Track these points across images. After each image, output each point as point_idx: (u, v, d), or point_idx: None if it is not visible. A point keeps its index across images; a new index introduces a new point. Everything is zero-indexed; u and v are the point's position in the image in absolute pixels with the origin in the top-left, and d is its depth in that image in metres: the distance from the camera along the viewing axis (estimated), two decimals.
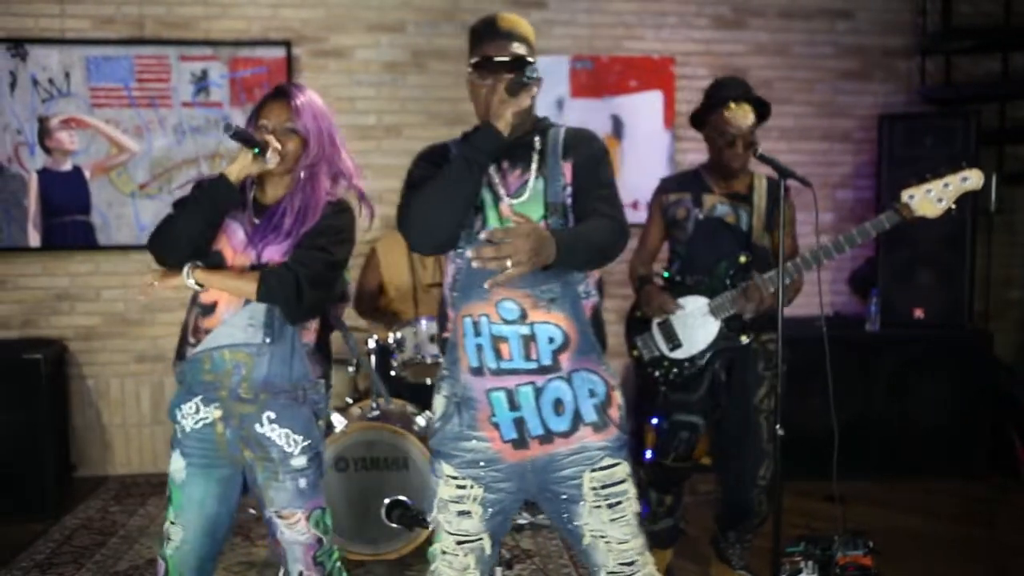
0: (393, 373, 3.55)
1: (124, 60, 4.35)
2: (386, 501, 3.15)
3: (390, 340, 3.52)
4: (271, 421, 2.07)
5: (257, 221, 2.10)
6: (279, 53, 4.44)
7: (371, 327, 3.79)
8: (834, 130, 4.91)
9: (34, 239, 4.38)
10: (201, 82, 4.39)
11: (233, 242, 2.08)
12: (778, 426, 2.62)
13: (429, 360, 3.45)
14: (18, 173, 4.33)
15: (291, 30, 4.50)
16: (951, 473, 4.27)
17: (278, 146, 2.03)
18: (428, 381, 3.59)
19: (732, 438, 2.97)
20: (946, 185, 2.57)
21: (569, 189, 1.87)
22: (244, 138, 2.00)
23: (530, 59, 1.85)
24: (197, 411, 2.09)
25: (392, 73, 4.58)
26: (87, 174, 4.39)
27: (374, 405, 3.33)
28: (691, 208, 2.94)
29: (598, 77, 4.65)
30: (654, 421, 4.48)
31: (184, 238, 2.03)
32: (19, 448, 3.88)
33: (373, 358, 3.40)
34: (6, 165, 4.32)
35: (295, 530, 2.11)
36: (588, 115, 4.56)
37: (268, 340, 2.05)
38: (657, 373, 2.97)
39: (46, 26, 4.33)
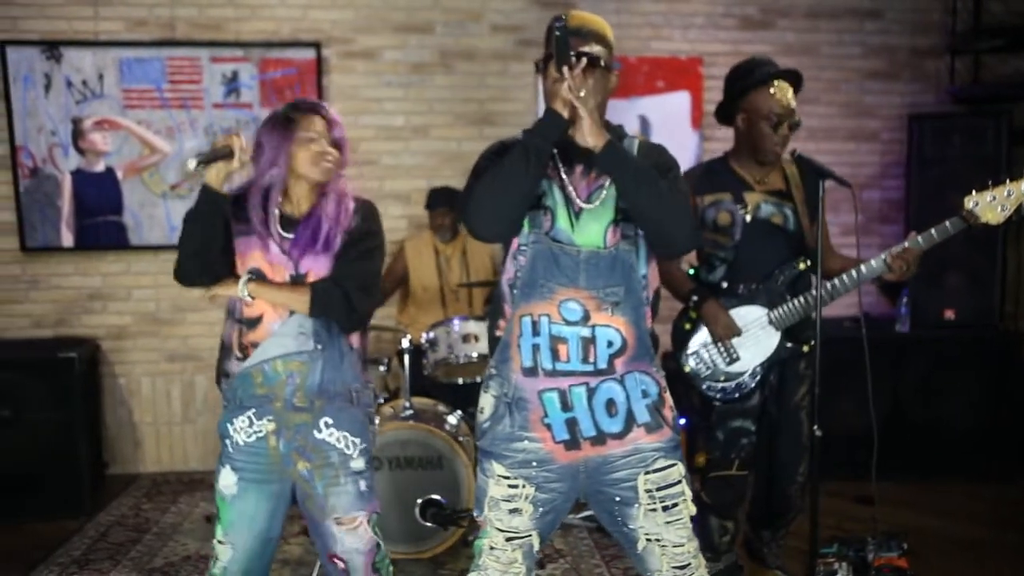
0: (426, 373, 3.58)
1: (156, 62, 4.39)
2: (420, 500, 3.18)
3: (422, 340, 3.55)
4: (328, 426, 2.09)
5: (286, 234, 2.10)
6: (309, 54, 4.47)
7: None
8: (861, 130, 4.89)
9: (67, 239, 4.43)
10: (232, 83, 4.43)
11: (269, 256, 2.09)
12: (816, 427, 2.63)
13: (462, 360, 3.46)
14: (52, 174, 4.38)
15: (320, 31, 4.53)
16: (980, 475, 4.25)
17: (243, 143, 2.04)
18: (460, 381, 3.62)
19: (771, 434, 2.94)
20: (1008, 193, 2.57)
21: None
22: (210, 158, 2.02)
23: (591, 51, 1.81)
24: (250, 424, 2.10)
25: (420, 74, 4.60)
26: (119, 175, 4.43)
27: (406, 404, 3.35)
28: (735, 210, 2.79)
29: (625, 77, 4.64)
30: (681, 421, 4.52)
31: (189, 257, 2.07)
32: (54, 446, 3.93)
33: (406, 357, 3.41)
34: (41, 166, 4.37)
35: (356, 535, 2.11)
36: (615, 116, 4.38)
37: (319, 347, 2.08)
38: (712, 389, 2.85)
39: (80, 28, 4.38)
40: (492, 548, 1.89)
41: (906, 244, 2.68)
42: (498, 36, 4.62)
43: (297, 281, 2.09)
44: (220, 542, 2.12)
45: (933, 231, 2.67)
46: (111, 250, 4.50)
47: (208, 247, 2.06)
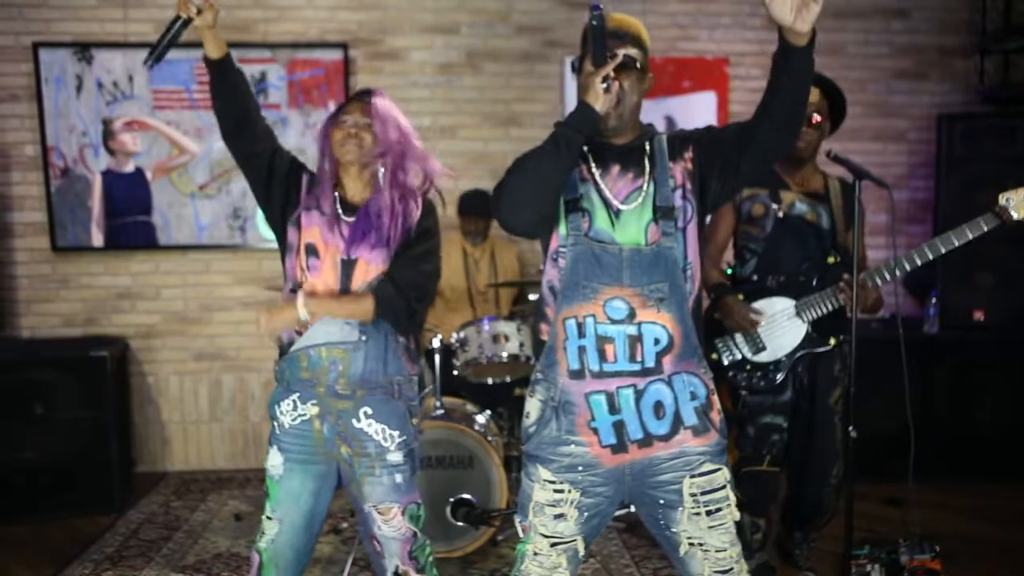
0: (455, 372, 3.59)
1: (185, 63, 4.42)
2: (451, 500, 3.19)
3: (453, 340, 3.56)
4: (368, 416, 2.13)
5: (346, 217, 2.15)
6: (336, 55, 4.49)
7: None
8: (888, 130, 4.87)
9: (97, 239, 4.47)
10: (260, 84, 4.45)
11: (324, 235, 2.13)
12: (851, 428, 2.63)
13: (493, 360, 3.47)
14: (83, 174, 4.43)
15: (348, 32, 4.55)
16: (1010, 477, 4.21)
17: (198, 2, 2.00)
18: (490, 381, 3.62)
19: (804, 437, 2.94)
20: None
21: (679, 191, 1.86)
22: (162, 49, 2.00)
23: (628, 53, 1.81)
24: (295, 408, 2.15)
25: (447, 74, 4.62)
26: (148, 175, 4.47)
27: (437, 404, 3.36)
28: (769, 205, 2.87)
29: None
30: None
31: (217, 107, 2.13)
32: (86, 444, 3.96)
33: (437, 357, 3.42)
34: (72, 166, 4.41)
35: (391, 525, 2.16)
36: (641, 116, 4.54)
37: (364, 337, 2.11)
38: (739, 377, 2.90)
39: (110, 30, 4.42)
40: (536, 554, 1.87)
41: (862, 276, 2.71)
42: (524, 37, 4.63)
43: (347, 265, 2.12)
44: (268, 518, 2.18)
45: (965, 227, 2.67)
46: (140, 250, 4.54)
47: (235, 97, 2.10)
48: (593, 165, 1.88)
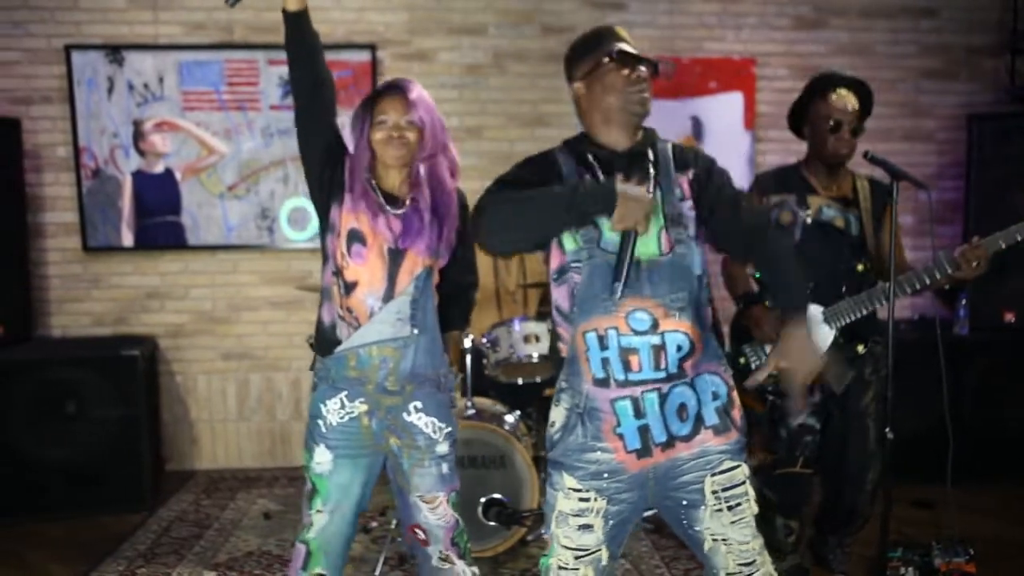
0: (486, 372, 3.60)
1: (215, 64, 4.45)
2: (482, 499, 3.20)
3: (483, 340, 3.57)
4: (418, 410, 2.16)
5: (392, 209, 2.14)
6: (364, 56, 4.51)
7: None
8: (917, 130, 4.84)
9: (127, 239, 4.51)
10: (288, 85, 4.46)
11: (373, 224, 2.11)
12: (887, 430, 2.62)
13: (523, 360, 3.48)
14: (113, 175, 4.47)
15: (375, 33, 4.57)
16: None
17: None
18: (520, 381, 3.63)
19: (838, 442, 2.93)
20: None
21: (688, 202, 1.86)
22: None
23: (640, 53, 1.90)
24: (342, 406, 2.16)
25: (473, 75, 4.63)
26: (178, 176, 4.51)
27: (469, 404, 3.37)
28: (797, 212, 2.85)
29: (678, 78, 4.63)
30: None
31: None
32: (117, 442, 4.00)
33: (468, 357, 3.44)
34: (103, 167, 4.45)
35: (437, 513, 2.20)
36: (668, 116, 4.56)
37: (415, 331, 2.13)
38: (768, 384, 2.90)
39: (141, 32, 4.46)
40: (560, 568, 1.87)
41: (975, 240, 2.65)
42: (550, 37, 4.63)
43: (395, 254, 2.11)
44: (318, 511, 2.18)
45: (999, 235, 2.64)
46: (169, 250, 4.57)
47: (312, 58, 2.09)
48: (600, 175, 1.85)
